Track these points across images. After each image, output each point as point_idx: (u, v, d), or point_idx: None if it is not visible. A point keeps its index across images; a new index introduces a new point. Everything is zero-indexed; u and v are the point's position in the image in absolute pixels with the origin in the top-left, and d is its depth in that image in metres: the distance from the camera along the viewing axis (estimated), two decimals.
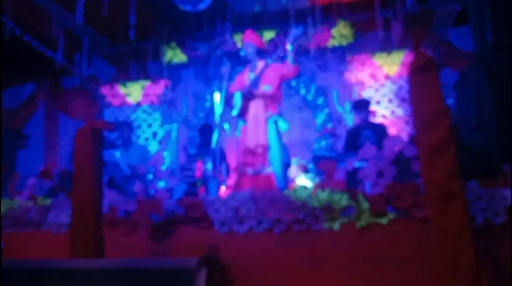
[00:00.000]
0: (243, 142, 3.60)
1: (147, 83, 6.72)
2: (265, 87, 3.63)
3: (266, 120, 3.57)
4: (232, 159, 3.77)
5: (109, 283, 1.66)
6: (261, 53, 3.79)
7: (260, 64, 3.74)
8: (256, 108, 3.58)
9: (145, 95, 6.71)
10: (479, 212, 1.87)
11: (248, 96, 3.61)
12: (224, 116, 3.75)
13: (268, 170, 3.51)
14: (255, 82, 3.60)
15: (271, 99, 3.65)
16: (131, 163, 4.70)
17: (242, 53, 3.82)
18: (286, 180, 3.73)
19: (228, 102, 3.78)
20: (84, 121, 6.40)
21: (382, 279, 1.88)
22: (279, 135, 3.70)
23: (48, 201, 2.54)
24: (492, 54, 2.50)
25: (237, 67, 6.39)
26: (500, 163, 2.15)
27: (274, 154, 3.55)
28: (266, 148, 3.50)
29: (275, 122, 3.67)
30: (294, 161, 6.02)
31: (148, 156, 5.05)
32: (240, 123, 3.76)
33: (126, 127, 5.33)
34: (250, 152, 3.52)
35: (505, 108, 2.45)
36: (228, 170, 3.74)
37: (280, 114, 3.78)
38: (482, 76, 2.56)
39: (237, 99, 3.73)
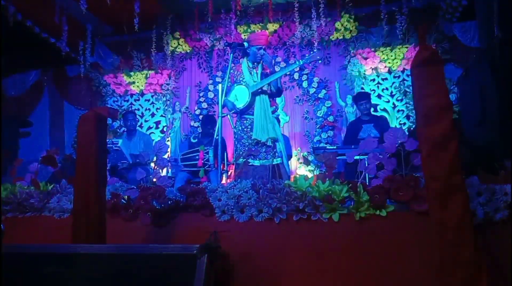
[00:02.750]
0: (248, 134, 3.69)
1: (150, 72, 6.71)
2: (269, 85, 3.77)
3: (272, 114, 3.75)
4: (236, 150, 3.85)
5: (110, 268, 1.67)
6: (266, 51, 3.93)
7: (261, 64, 3.86)
8: (263, 103, 3.70)
9: (149, 84, 6.71)
10: (480, 207, 1.87)
11: (256, 92, 3.69)
12: (226, 107, 3.80)
13: (277, 161, 3.68)
14: (264, 79, 3.72)
15: (276, 95, 3.86)
16: (134, 151, 4.73)
17: (255, 53, 3.82)
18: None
19: (228, 93, 3.85)
20: (88, 108, 6.42)
21: (380, 271, 1.89)
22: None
23: (50, 187, 2.55)
24: (498, 50, 2.47)
25: (240, 59, 6.40)
26: (502, 159, 2.14)
27: (281, 146, 3.74)
28: (276, 141, 3.68)
29: (277, 117, 3.83)
30: (295, 153, 6.05)
31: (150, 144, 5.07)
32: (245, 116, 3.82)
33: (129, 116, 5.35)
34: (258, 144, 3.62)
35: (510, 104, 2.44)
36: (228, 159, 3.83)
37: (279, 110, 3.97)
38: (487, 72, 2.55)
39: (239, 92, 3.76)
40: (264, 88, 3.72)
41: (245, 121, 3.74)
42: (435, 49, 1.76)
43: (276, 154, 3.69)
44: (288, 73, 6.04)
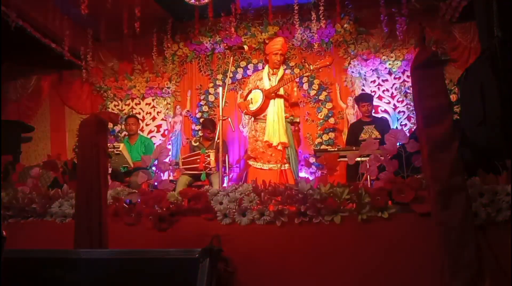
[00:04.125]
0: (258, 137, 3.74)
1: (151, 76, 6.71)
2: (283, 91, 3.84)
3: (285, 120, 3.80)
4: (243, 153, 3.91)
5: (112, 273, 1.67)
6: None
7: (281, 70, 3.93)
8: (277, 107, 3.74)
9: (149, 88, 6.71)
10: (482, 207, 1.87)
11: (271, 96, 3.73)
12: (227, 110, 3.85)
13: (285, 166, 3.71)
14: (279, 85, 3.76)
15: (290, 102, 3.91)
16: (135, 155, 4.74)
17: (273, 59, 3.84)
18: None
19: (246, 96, 3.89)
20: (89, 113, 6.42)
21: (382, 272, 1.89)
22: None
23: (52, 192, 2.55)
24: (499, 50, 2.48)
25: (240, 61, 6.40)
26: (503, 159, 2.14)
27: (291, 152, 3.78)
28: (286, 146, 3.71)
29: (290, 122, 3.91)
30: None
31: (151, 148, 5.07)
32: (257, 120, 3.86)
33: (130, 120, 5.35)
34: (269, 148, 3.65)
35: (510, 104, 2.44)
36: (230, 162, 3.85)
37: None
38: (488, 72, 2.55)
39: (254, 95, 3.80)
40: (280, 93, 3.75)
41: (257, 124, 3.79)
42: (435, 50, 1.76)
43: (285, 159, 3.71)
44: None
